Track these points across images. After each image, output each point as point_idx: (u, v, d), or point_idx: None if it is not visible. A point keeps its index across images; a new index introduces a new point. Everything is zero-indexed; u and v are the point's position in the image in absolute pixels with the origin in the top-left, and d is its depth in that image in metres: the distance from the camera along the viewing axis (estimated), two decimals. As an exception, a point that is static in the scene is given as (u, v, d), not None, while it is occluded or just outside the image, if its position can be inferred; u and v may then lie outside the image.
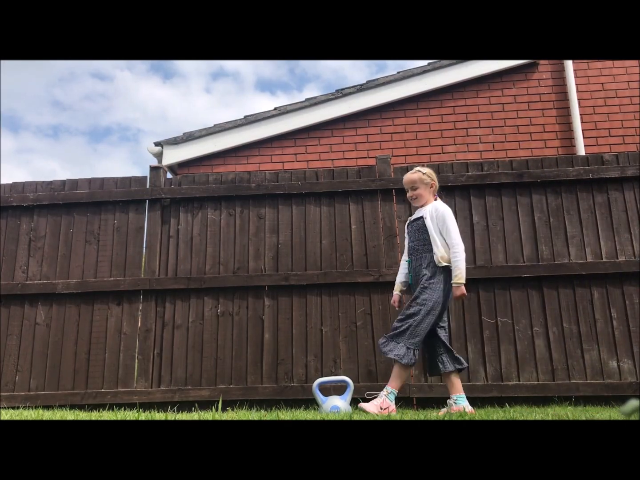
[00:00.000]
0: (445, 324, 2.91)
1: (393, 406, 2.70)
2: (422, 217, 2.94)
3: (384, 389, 2.74)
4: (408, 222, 3.09)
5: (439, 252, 2.83)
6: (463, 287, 2.78)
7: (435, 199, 3.03)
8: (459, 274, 2.78)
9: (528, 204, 3.72)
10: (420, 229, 2.93)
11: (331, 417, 2.06)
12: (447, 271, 2.83)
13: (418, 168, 3.06)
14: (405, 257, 3.05)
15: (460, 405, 2.77)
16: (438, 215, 2.89)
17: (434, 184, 3.03)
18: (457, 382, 2.84)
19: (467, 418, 2.07)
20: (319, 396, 2.78)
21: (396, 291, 3.07)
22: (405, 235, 3.09)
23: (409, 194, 3.04)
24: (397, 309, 3.07)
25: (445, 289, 2.82)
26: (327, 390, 3.22)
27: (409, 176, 3.03)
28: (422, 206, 3.00)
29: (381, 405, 2.67)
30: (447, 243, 2.86)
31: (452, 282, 2.80)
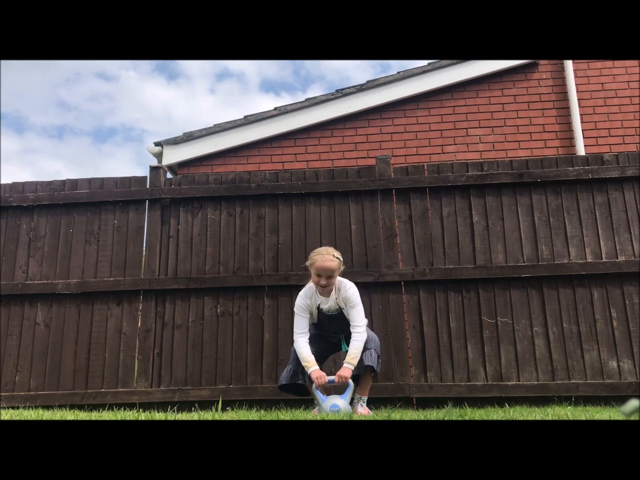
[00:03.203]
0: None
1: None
2: (338, 308, 2.85)
3: (361, 399, 2.87)
4: (316, 306, 2.88)
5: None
6: (350, 371, 2.71)
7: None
8: (354, 355, 2.72)
9: (528, 204, 3.72)
10: (335, 318, 2.87)
11: (331, 417, 2.06)
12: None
13: (335, 254, 2.80)
14: (305, 338, 2.85)
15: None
16: (346, 298, 2.82)
17: (342, 269, 2.88)
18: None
19: (455, 418, 2.07)
20: (319, 395, 2.79)
21: (317, 366, 2.80)
22: (313, 316, 2.90)
23: (323, 282, 2.76)
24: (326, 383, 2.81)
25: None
26: (327, 390, 3.22)
27: (329, 264, 2.75)
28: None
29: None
30: (351, 319, 2.79)
31: (344, 361, 2.76)
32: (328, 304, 2.84)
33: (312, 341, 2.87)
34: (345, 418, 1.92)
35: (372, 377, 2.93)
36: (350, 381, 2.84)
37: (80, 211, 3.90)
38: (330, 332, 2.94)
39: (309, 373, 2.77)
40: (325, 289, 2.82)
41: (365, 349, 2.79)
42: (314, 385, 2.78)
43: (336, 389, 3.28)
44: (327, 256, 2.77)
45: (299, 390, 2.94)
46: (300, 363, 2.80)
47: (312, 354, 2.80)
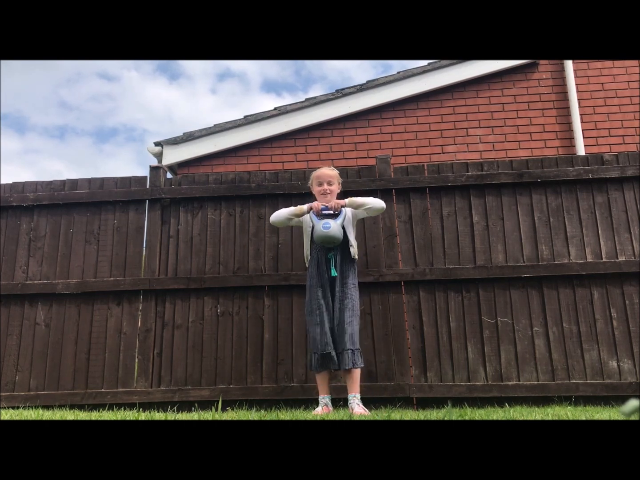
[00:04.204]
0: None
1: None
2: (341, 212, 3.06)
3: (355, 397, 2.89)
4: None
5: (355, 246, 3.08)
6: (345, 202, 3.05)
7: None
8: (356, 199, 3.08)
9: (528, 204, 3.72)
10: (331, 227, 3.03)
11: (331, 417, 2.06)
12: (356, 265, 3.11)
13: (332, 167, 3.24)
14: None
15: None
16: (351, 201, 3.08)
17: (340, 187, 3.24)
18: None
19: (448, 418, 2.07)
20: (314, 218, 3.04)
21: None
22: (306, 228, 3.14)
23: (323, 187, 3.12)
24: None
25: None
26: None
27: (328, 171, 3.15)
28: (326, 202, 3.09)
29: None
30: (362, 201, 3.06)
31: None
32: (328, 212, 3.05)
33: (312, 293, 2.99)
34: (345, 418, 1.92)
35: (359, 370, 2.96)
36: (343, 208, 3.08)
37: (80, 211, 3.90)
38: (322, 250, 3.03)
39: (305, 208, 3.08)
40: (327, 197, 3.10)
41: (348, 349, 2.86)
42: (311, 211, 3.07)
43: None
44: (324, 167, 3.21)
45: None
46: (320, 347, 2.89)
47: (321, 321, 2.93)
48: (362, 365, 2.97)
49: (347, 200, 3.07)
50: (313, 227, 3.03)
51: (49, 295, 3.72)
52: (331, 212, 3.03)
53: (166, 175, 4.02)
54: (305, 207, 3.09)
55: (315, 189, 3.17)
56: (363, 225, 3.75)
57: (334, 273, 2.97)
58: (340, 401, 3.33)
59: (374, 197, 3.77)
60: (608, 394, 3.32)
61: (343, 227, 3.01)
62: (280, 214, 3.16)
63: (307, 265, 3.14)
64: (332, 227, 2.92)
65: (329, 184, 3.11)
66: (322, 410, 2.86)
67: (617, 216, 3.64)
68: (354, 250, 3.05)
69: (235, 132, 5.57)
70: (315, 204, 3.06)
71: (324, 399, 2.95)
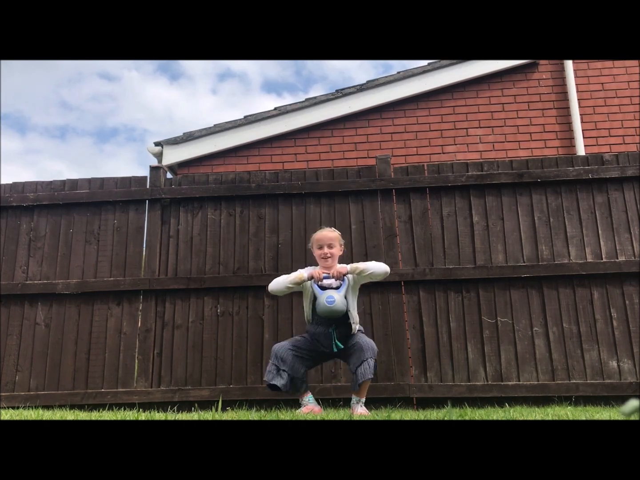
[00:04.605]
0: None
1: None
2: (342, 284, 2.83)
3: (359, 400, 2.83)
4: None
5: (356, 320, 2.86)
6: (347, 269, 2.82)
7: None
8: (358, 265, 2.85)
9: (528, 204, 3.72)
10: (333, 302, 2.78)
11: (331, 417, 2.06)
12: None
13: (333, 229, 3.02)
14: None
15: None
16: (353, 267, 2.85)
17: (342, 248, 2.99)
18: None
19: (447, 418, 2.07)
20: (317, 289, 2.80)
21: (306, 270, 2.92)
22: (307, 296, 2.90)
23: (326, 250, 2.88)
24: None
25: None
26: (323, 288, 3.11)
27: (328, 234, 2.92)
28: (328, 268, 2.88)
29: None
30: (366, 266, 2.85)
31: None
32: (330, 281, 2.84)
33: (304, 356, 2.85)
34: (345, 418, 1.92)
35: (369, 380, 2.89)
36: (346, 277, 2.85)
37: (80, 211, 3.90)
38: (323, 323, 2.84)
39: (305, 276, 2.83)
40: (328, 262, 2.88)
41: (362, 360, 2.74)
42: (312, 280, 2.83)
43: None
44: (325, 229, 2.99)
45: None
46: (279, 362, 2.79)
47: (304, 368, 2.85)
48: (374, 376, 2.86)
49: (349, 267, 2.85)
50: (315, 297, 2.82)
51: (49, 295, 3.72)
52: (333, 280, 2.82)
53: (166, 175, 4.03)
54: (305, 275, 2.84)
55: (316, 252, 2.93)
56: (363, 225, 3.76)
57: (336, 348, 2.78)
58: (340, 401, 3.33)
59: (374, 197, 3.78)
60: (608, 394, 3.32)
61: (345, 297, 2.80)
62: (279, 284, 2.87)
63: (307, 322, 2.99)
64: (337, 301, 2.69)
65: (330, 247, 2.89)
66: (305, 409, 2.77)
67: (617, 216, 3.64)
68: (355, 327, 2.84)
69: (235, 132, 5.57)
70: (316, 272, 2.81)
71: (305, 398, 2.87)
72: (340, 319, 2.80)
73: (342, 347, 2.78)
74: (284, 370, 2.79)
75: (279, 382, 2.77)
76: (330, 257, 2.88)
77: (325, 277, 2.82)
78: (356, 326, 2.85)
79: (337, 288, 2.79)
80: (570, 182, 3.72)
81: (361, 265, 2.86)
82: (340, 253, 2.97)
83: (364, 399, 2.86)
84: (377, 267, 2.86)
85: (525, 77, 5.67)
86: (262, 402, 3.45)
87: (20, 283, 3.74)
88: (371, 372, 2.75)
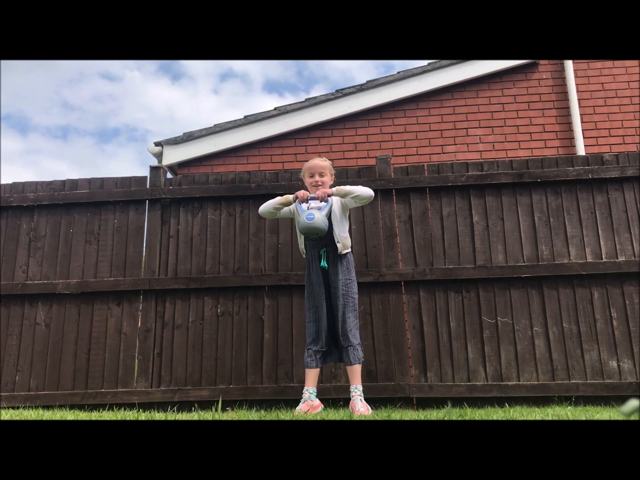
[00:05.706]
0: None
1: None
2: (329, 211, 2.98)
3: (356, 389, 2.89)
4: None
5: (343, 239, 2.99)
6: (332, 191, 2.95)
7: None
8: (344, 187, 2.96)
9: (528, 204, 3.72)
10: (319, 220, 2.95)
11: (331, 417, 2.06)
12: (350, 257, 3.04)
13: (324, 157, 3.17)
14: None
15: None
16: (339, 188, 2.99)
17: (333, 178, 3.16)
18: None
19: (447, 417, 2.07)
20: (300, 207, 2.94)
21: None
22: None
23: (314, 179, 3.04)
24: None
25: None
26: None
27: (320, 162, 3.07)
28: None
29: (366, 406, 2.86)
30: (351, 189, 2.95)
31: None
32: (315, 203, 2.96)
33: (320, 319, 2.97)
34: (345, 418, 1.92)
35: (359, 364, 2.96)
36: (330, 198, 2.97)
37: (80, 211, 3.90)
38: (314, 246, 2.99)
39: (291, 197, 3.00)
40: (319, 188, 3.00)
41: (349, 345, 2.90)
42: (297, 200, 2.97)
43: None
44: (316, 158, 3.12)
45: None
46: (313, 341, 2.94)
47: (316, 320, 2.96)
48: (363, 360, 3.03)
49: (334, 189, 2.97)
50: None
51: (49, 295, 3.72)
52: (317, 200, 2.93)
53: (166, 175, 4.02)
54: (291, 196, 3.01)
55: (307, 181, 3.09)
56: (363, 225, 3.75)
57: (323, 264, 2.92)
58: (340, 401, 3.33)
59: (374, 197, 3.77)
60: (608, 394, 3.32)
61: (330, 219, 2.92)
62: (268, 205, 3.07)
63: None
64: (316, 217, 2.81)
65: (321, 175, 3.03)
66: (304, 406, 2.78)
67: (617, 216, 3.64)
68: (340, 245, 2.95)
69: (235, 132, 5.57)
70: (301, 192, 2.96)
71: (309, 390, 2.89)
72: (327, 241, 2.94)
73: (326, 266, 2.93)
74: (316, 351, 2.94)
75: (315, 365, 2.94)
76: (321, 185, 3.02)
77: (311, 199, 2.95)
78: (344, 250, 2.97)
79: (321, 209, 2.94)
80: (570, 182, 3.72)
81: (347, 187, 2.98)
82: (331, 182, 3.11)
83: (360, 387, 2.91)
84: (362, 190, 2.97)
85: (525, 77, 5.67)
86: (262, 402, 3.45)
87: (21, 283, 3.74)
88: (360, 358, 2.92)
